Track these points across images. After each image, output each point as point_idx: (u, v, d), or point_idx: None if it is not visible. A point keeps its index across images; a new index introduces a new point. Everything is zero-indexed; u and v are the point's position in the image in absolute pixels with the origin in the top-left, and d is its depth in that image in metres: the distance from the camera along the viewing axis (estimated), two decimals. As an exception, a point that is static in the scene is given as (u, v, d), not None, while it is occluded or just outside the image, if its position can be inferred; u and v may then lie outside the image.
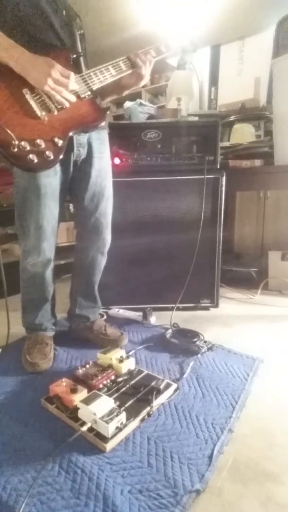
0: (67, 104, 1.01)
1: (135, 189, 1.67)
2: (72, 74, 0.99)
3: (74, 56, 1.05)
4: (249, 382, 1.13)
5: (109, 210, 1.34)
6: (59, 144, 1.02)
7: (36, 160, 0.99)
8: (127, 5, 2.79)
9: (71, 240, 2.28)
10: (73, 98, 1.02)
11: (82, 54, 1.09)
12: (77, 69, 1.05)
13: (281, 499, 0.73)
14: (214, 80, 3.69)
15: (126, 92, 1.23)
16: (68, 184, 1.24)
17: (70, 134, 1.06)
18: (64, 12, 1.11)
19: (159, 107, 3.13)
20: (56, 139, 1.01)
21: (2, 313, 1.37)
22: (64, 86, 0.98)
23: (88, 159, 1.23)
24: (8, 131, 0.95)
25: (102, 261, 1.41)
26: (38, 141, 0.99)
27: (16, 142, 0.96)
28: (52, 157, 1.01)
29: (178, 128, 1.67)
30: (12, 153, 0.97)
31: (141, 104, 2.40)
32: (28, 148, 0.98)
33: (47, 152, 1.00)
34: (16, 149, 0.96)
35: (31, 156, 0.98)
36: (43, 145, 1.00)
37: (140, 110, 2.30)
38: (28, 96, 0.98)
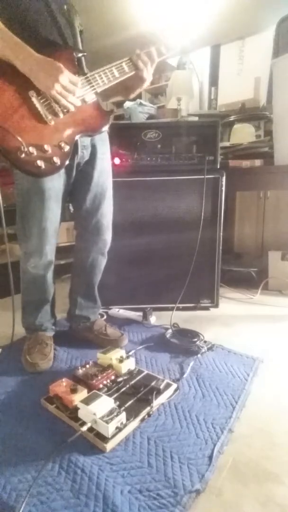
0: (72, 109, 1.00)
1: (135, 189, 1.66)
2: (79, 81, 0.98)
3: (79, 55, 1.03)
4: (249, 382, 1.13)
5: (110, 211, 1.34)
6: (65, 149, 1.01)
7: (43, 166, 0.98)
8: (127, 5, 2.79)
9: (71, 240, 2.28)
10: (78, 103, 1.00)
11: (85, 53, 1.07)
12: (80, 69, 1.04)
13: (281, 499, 0.73)
14: (214, 80, 3.69)
15: (132, 95, 1.20)
16: (70, 186, 1.23)
17: (76, 138, 1.05)
18: (65, 7, 1.09)
19: (159, 107, 3.13)
20: (62, 144, 1.00)
21: (1, 313, 1.37)
22: (71, 93, 0.96)
23: (91, 160, 1.21)
24: (17, 137, 0.93)
25: (103, 261, 1.41)
26: (46, 146, 0.98)
27: (25, 149, 0.94)
28: (59, 163, 1.00)
29: (178, 128, 1.66)
30: (19, 159, 0.95)
31: (141, 104, 2.40)
32: (35, 153, 0.96)
33: (54, 158, 0.99)
34: (23, 155, 0.95)
35: (38, 162, 0.97)
36: (50, 151, 0.98)
37: (140, 110, 2.31)
38: (34, 99, 0.96)
